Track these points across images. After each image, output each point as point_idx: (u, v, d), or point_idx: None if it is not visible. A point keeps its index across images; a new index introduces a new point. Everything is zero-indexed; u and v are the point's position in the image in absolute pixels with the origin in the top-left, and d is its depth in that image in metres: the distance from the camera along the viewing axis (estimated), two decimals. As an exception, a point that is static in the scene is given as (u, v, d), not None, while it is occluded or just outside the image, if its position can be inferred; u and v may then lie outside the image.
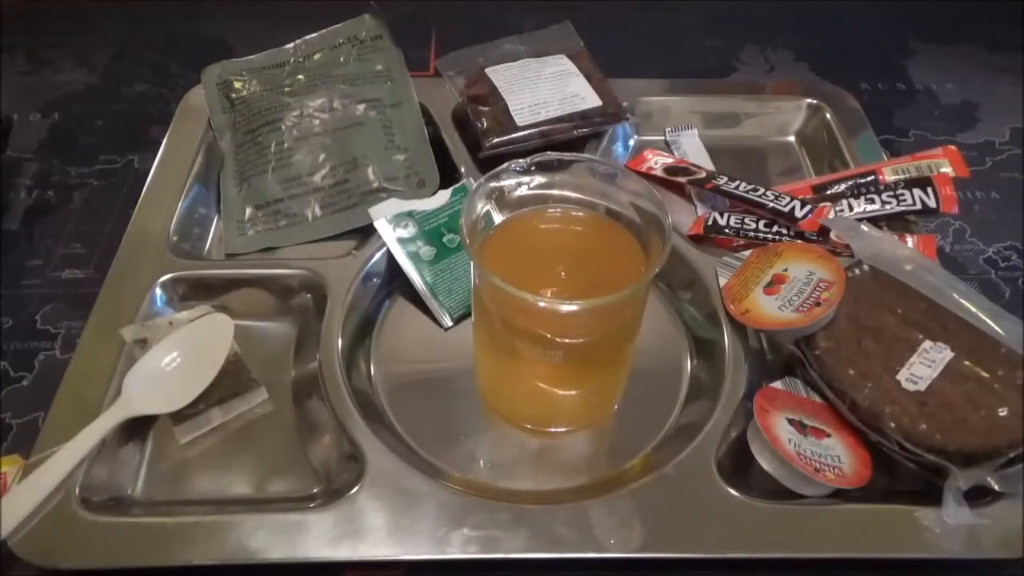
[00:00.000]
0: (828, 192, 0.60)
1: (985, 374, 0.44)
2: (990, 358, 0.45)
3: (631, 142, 0.69)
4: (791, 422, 0.46)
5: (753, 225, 0.57)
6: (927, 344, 0.46)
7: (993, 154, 0.72)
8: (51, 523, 0.41)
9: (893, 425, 0.43)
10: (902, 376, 0.45)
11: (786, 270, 0.52)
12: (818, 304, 0.48)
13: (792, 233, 0.56)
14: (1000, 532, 0.42)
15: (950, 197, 0.57)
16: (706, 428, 0.46)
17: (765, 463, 0.45)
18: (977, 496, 0.43)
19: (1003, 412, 0.43)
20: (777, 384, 0.48)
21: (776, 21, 0.87)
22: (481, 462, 0.47)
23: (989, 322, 0.47)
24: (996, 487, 0.42)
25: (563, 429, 0.49)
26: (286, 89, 0.64)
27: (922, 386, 0.44)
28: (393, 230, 0.56)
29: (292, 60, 0.66)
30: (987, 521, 0.42)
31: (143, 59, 0.80)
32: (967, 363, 0.45)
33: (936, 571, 0.44)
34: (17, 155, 0.69)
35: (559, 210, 0.46)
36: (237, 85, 0.65)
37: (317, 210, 0.60)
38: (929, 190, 0.57)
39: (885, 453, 0.45)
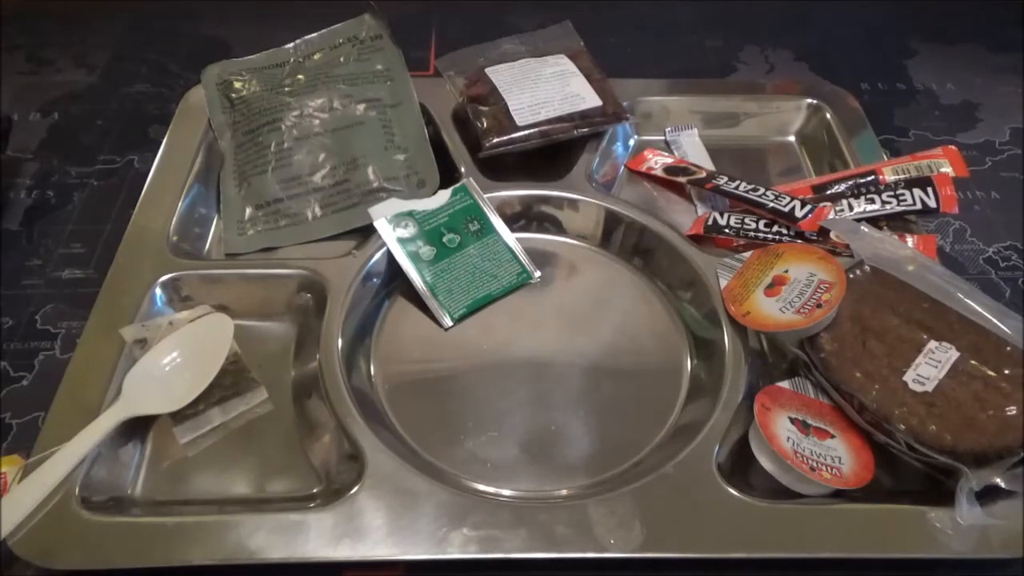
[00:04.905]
0: (828, 192, 0.60)
1: (992, 373, 0.44)
2: (996, 357, 0.45)
3: (631, 142, 0.69)
4: (793, 421, 0.46)
5: (753, 225, 0.57)
6: (932, 344, 0.46)
7: (993, 154, 0.72)
8: (51, 523, 0.41)
9: (903, 427, 0.43)
10: (909, 377, 0.45)
11: (787, 271, 0.52)
12: (819, 306, 0.48)
13: (792, 233, 0.56)
14: (1006, 531, 0.42)
15: (950, 197, 0.57)
16: (706, 428, 0.46)
17: (764, 460, 0.45)
18: (981, 495, 0.42)
19: (1012, 411, 0.43)
20: (784, 384, 0.48)
21: (776, 21, 0.87)
22: (481, 462, 0.47)
23: (994, 320, 0.47)
24: (1004, 486, 0.42)
25: None
26: (286, 89, 0.64)
27: (929, 387, 0.44)
28: (393, 230, 0.56)
29: (292, 60, 0.66)
30: (1001, 521, 0.42)
31: (143, 59, 0.80)
32: (973, 362, 0.45)
33: (935, 571, 0.44)
34: (17, 155, 0.69)
35: None
36: (237, 85, 0.65)
37: (317, 210, 0.60)
38: (929, 190, 0.57)
39: (889, 454, 0.45)
